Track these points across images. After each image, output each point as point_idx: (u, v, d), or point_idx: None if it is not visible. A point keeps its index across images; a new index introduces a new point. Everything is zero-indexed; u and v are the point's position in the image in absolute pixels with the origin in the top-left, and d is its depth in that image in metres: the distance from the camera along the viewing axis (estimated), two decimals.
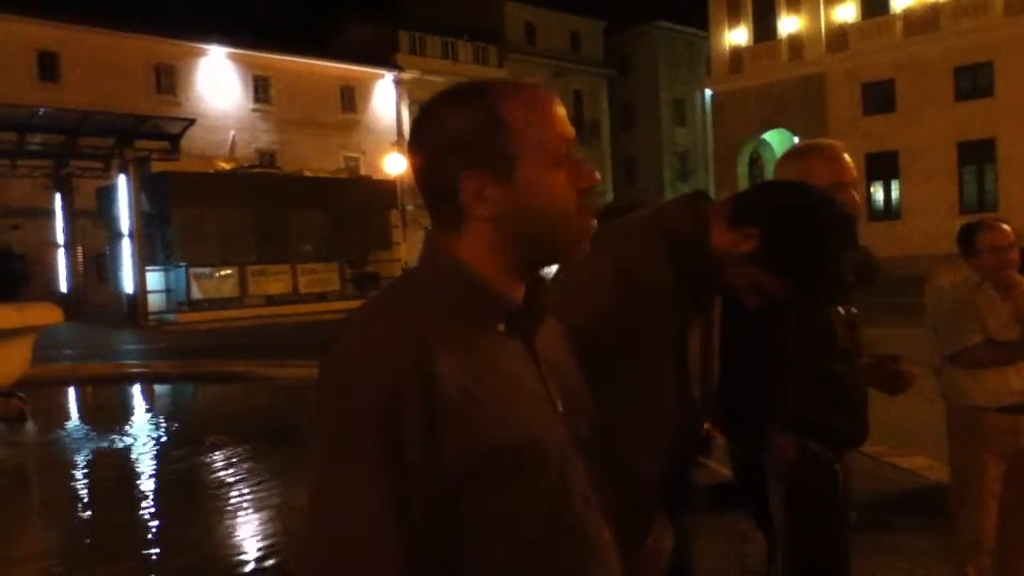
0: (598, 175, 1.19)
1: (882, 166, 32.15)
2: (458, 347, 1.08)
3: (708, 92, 41.38)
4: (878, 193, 33.56)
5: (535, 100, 1.16)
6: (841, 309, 2.31)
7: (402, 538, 1.02)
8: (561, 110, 1.18)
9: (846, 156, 2.32)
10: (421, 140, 1.17)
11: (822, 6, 35.18)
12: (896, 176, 32.98)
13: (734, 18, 38.10)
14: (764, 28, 37.37)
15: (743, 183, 37.94)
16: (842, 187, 2.26)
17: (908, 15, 33.00)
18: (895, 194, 33.33)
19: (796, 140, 35.86)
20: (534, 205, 1.13)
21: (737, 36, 38.14)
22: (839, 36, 34.81)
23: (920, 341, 3.85)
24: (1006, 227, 3.48)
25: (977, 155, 31.62)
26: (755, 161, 39.62)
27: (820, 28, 35.32)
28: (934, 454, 5.28)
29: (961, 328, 3.47)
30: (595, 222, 1.18)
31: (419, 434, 1.02)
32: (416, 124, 1.19)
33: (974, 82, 31.44)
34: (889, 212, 33.21)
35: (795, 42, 36.15)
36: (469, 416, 1.05)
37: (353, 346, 1.09)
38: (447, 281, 1.14)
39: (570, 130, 1.17)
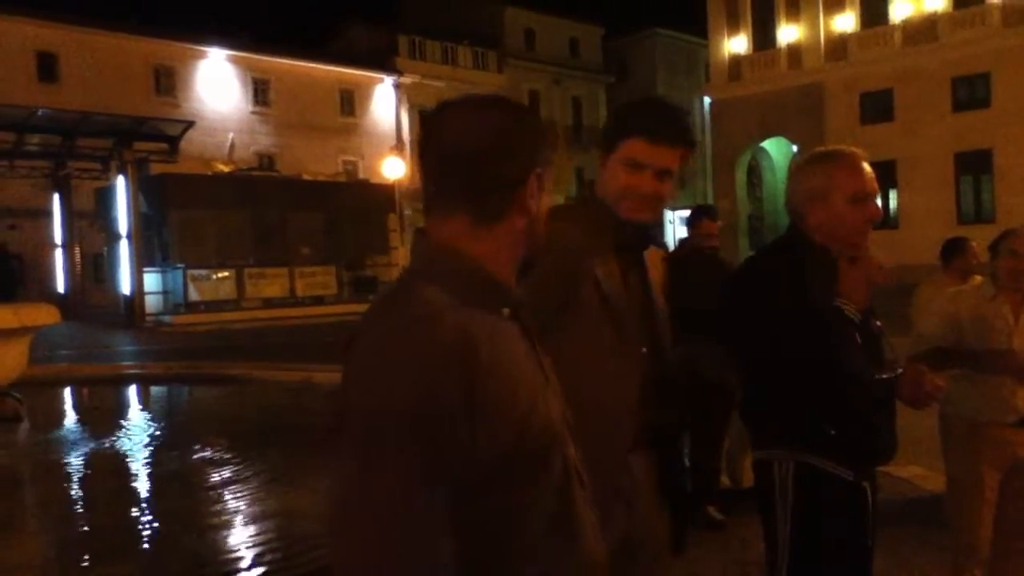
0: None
1: (880, 175, 31.70)
2: (490, 334, 1.12)
3: (707, 100, 41.46)
4: (876, 202, 33.59)
5: None
6: (855, 315, 2.27)
7: (443, 544, 1.04)
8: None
9: (866, 164, 2.33)
10: (516, 130, 1.26)
11: (821, 15, 35.27)
12: (894, 185, 33.03)
13: (733, 26, 38.17)
14: (763, 37, 37.44)
15: (742, 191, 38.04)
16: (867, 197, 2.29)
17: (907, 25, 33.10)
18: (893, 203, 33.38)
19: (795, 149, 35.98)
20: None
21: (736, 44, 38.21)
22: (838, 45, 34.89)
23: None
24: None
25: (974, 165, 31.69)
26: (753, 169, 39.67)
27: (819, 37, 35.40)
28: (929, 464, 5.29)
29: (979, 336, 3.43)
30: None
31: (461, 429, 1.04)
32: (517, 118, 1.28)
33: (971, 93, 31.53)
34: (887, 221, 33.25)
35: (794, 51, 36.23)
36: (508, 401, 1.09)
37: (386, 345, 1.09)
38: (463, 273, 1.19)
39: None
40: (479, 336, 1.09)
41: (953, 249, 5.19)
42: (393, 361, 1.07)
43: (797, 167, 2.47)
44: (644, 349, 2.00)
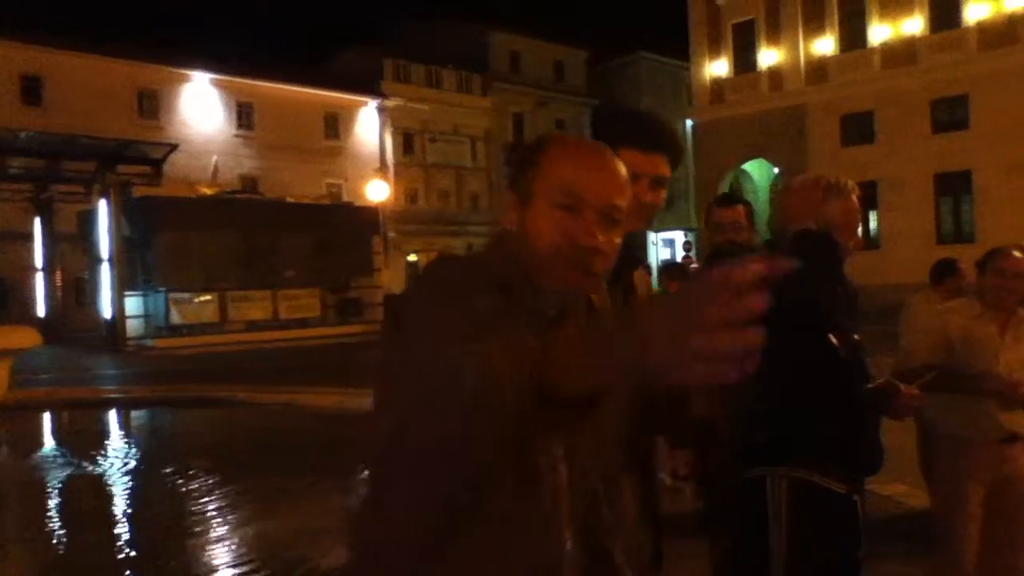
0: (600, 242, 1.35)
1: (862, 197, 32.32)
2: None
3: (689, 123, 41.80)
4: None
5: (567, 154, 1.41)
6: (834, 338, 2.29)
7: None
8: (595, 171, 1.39)
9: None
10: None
11: (801, 39, 35.69)
12: (875, 207, 33.32)
13: (715, 50, 38.57)
14: (745, 60, 37.83)
15: None
16: (852, 226, 2.34)
17: (886, 48, 33.53)
18: (873, 224, 33.66)
19: (776, 171, 36.28)
20: (531, 233, 1.37)
21: (718, 68, 38.60)
22: (818, 68, 35.30)
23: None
24: (1019, 255, 3.46)
25: (954, 186, 32.04)
26: (736, 191, 39.96)
27: (800, 61, 35.81)
28: (913, 481, 5.31)
29: (967, 354, 3.45)
30: (589, 280, 1.36)
31: None
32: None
33: (951, 115, 31.92)
34: (868, 242, 33.52)
35: (775, 74, 36.62)
36: None
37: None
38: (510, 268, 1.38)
39: (596, 191, 1.36)
40: None
41: (944, 269, 5.25)
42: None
43: (794, 190, 2.54)
44: None
